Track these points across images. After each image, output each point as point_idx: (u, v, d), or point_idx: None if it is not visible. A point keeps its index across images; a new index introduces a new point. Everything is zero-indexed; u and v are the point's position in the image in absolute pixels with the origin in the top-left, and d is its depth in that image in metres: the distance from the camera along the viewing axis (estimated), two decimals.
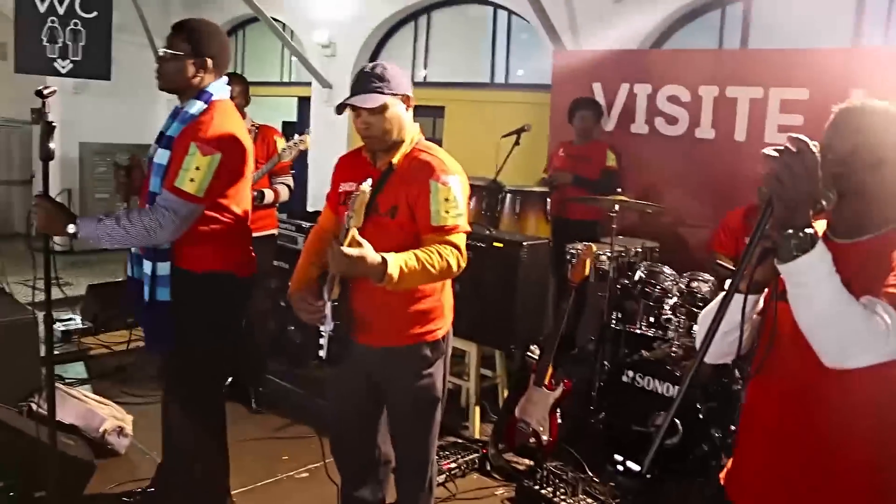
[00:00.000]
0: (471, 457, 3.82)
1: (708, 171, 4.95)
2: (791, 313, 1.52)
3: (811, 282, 1.45)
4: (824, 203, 1.58)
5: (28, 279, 7.47)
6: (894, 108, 1.66)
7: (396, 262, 2.20)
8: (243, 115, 4.36)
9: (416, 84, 7.50)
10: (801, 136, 1.43)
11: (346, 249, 2.12)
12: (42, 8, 7.03)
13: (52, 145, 2.58)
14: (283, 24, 8.41)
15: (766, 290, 1.67)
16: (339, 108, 2.46)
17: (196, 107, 2.76)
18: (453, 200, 2.40)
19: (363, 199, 2.17)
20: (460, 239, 2.41)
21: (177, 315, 2.75)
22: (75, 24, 7.08)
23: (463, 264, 2.40)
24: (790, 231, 1.44)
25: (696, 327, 3.37)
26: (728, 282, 1.59)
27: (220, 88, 2.83)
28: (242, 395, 4.44)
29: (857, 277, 1.53)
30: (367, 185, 2.19)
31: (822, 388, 1.59)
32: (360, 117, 2.42)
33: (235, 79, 4.33)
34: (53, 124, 2.57)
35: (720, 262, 4.09)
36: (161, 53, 2.79)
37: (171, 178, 2.65)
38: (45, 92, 2.57)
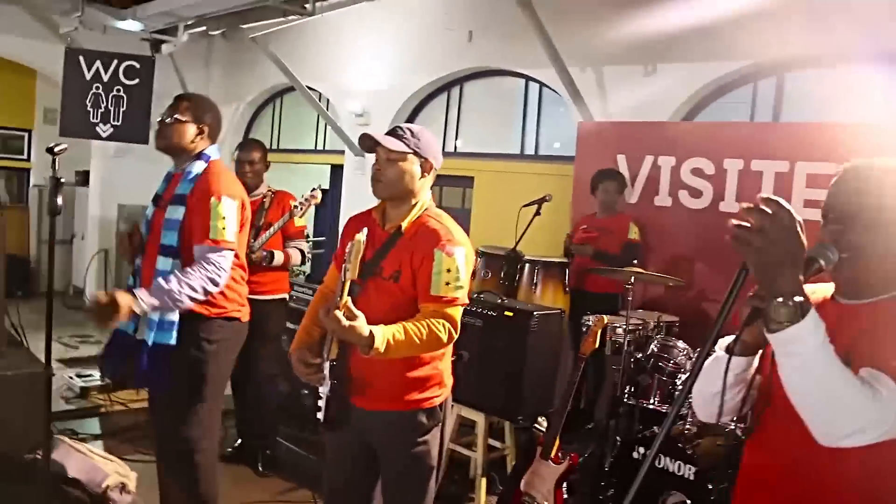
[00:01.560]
0: None
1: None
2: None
3: (801, 352, 1.37)
4: (823, 263, 1.51)
5: (61, 336, 7.67)
6: None
7: (384, 336, 2.22)
8: (261, 181, 4.45)
9: (446, 154, 7.65)
10: (775, 197, 1.37)
11: (339, 315, 2.14)
12: (88, 75, 7.35)
13: (59, 200, 2.67)
14: (319, 94, 8.62)
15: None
16: (364, 141, 2.46)
17: (199, 167, 3.01)
18: (455, 272, 2.38)
19: (358, 249, 2.17)
20: (456, 312, 2.40)
21: (184, 359, 2.90)
22: (118, 91, 7.38)
23: (455, 336, 2.39)
24: (779, 299, 1.36)
25: None
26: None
27: (215, 151, 3.10)
28: (250, 458, 4.39)
29: (862, 341, 1.48)
30: (361, 236, 2.19)
31: (815, 462, 1.51)
32: (377, 161, 2.45)
33: (255, 145, 4.44)
34: (62, 180, 2.67)
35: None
36: (167, 119, 3.02)
37: (202, 233, 2.86)
38: (56, 149, 2.68)
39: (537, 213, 5.13)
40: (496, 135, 7.58)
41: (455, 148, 7.85)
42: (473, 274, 5.28)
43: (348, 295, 2.19)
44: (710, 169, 5.01)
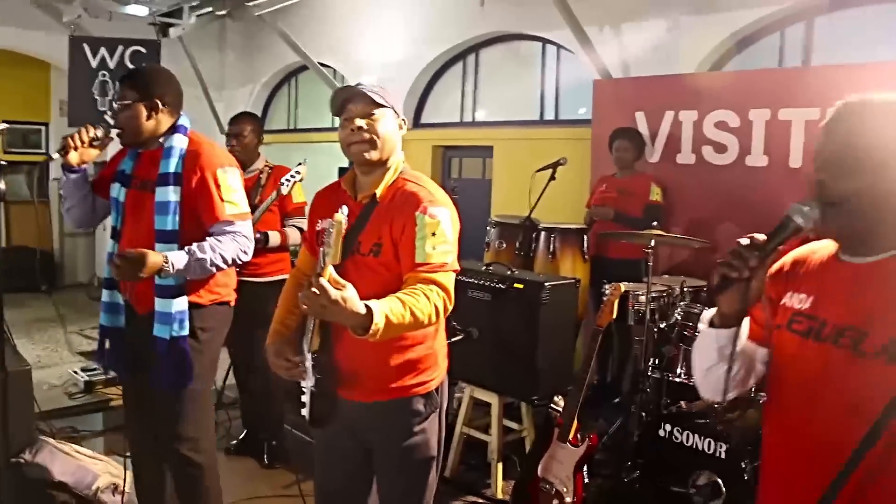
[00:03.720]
0: None
1: (761, 201, 4.49)
2: (793, 346, 1.49)
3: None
4: (800, 222, 1.40)
5: (83, 328, 7.61)
6: None
7: (382, 311, 1.87)
8: (257, 155, 4.22)
9: (465, 124, 7.49)
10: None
11: (324, 283, 1.78)
12: (94, 63, 7.21)
13: (1, 185, 2.46)
14: (334, 71, 8.39)
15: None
16: (336, 103, 2.21)
17: (180, 140, 2.76)
18: (441, 235, 2.10)
19: (339, 230, 1.89)
20: (448, 279, 2.10)
21: (193, 351, 2.74)
22: None
23: (450, 307, 2.09)
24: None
25: None
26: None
27: (188, 121, 2.84)
28: (256, 450, 4.21)
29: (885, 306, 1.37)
30: (342, 215, 1.91)
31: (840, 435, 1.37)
32: (353, 122, 2.17)
33: (243, 117, 4.21)
34: (3, 163, 2.46)
35: None
36: (116, 108, 2.78)
37: (215, 210, 2.70)
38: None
39: (552, 177, 4.85)
40: (515, 102, 7.27)
41: (473, 118, 7.59)
42: (487, 245, 5.07)
43: None
44: (735, 121, 4.67)
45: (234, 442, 4.33)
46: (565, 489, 3.33)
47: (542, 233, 4.80)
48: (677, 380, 3.68)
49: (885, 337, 1.33)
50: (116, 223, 2.85)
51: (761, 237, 1.40)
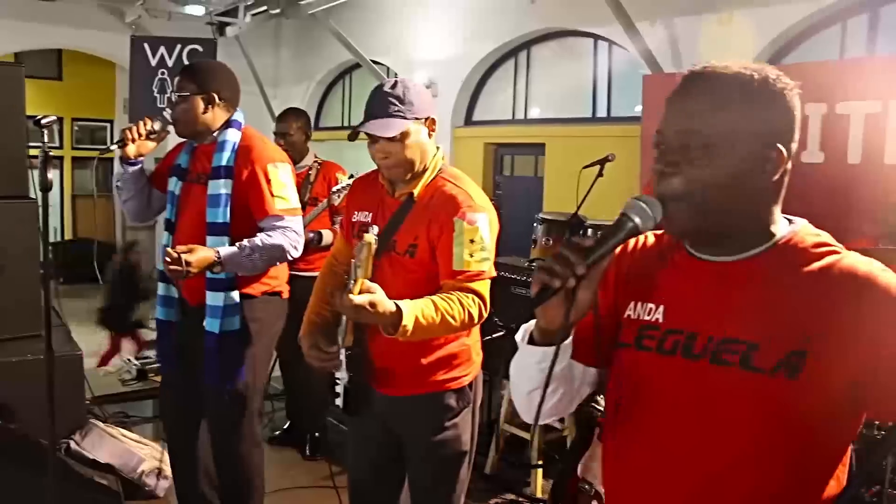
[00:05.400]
0: None
1: (816, 199, 4.31)
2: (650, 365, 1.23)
3: None
4: (638, 222, 1.16)
5: (142, 319, 7.79)
6: (760, 69, 1.19)
7: (412, 312, 1.92)
8: (306, 151, 4.26)
9: (517, 122, 7.46)
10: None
11: (354, 298, 1.85)
12: (153, 61, 7.37)
13: (49, 175, 2.51)
14: (387, 68, 8.44)
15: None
16: (352, 136, 2.19)
17: (234, 135, 2.79)
18: (479, 242, 2.09)
19: (370, 251, 1.91)
20: (484, 287, 2.10)
21: (243, 343, 2.77)
22: None
23: (485, 315, 2.10)
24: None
25: None
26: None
27: (242, 116, 2.87)
28: (298, 441, 4.26)
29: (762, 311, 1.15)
30: (372, 236, 1.93)
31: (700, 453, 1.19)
32: (377, 144, 2.14)
33: (290, 114, 4.24)
34: (50, 153, 2.51)
35: None
36: (173, 100, 2.80)
37: (265, 205, 2.70)
38: (43, 122, 2.52)
39: (599, 174, 4.77)
40: (566, 98, 7.21)
41: (525, 115, 7.55)
42: (534, 241, 5.02)
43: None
44: None
45: (278, 432, 4.39)
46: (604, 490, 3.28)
47: (589, 230, 4.73)
48: None
49: (781, 351, 1.11)
50: (171, 216, 2.88)
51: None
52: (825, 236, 1.23)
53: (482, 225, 2.11)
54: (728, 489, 1.16)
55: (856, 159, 4.25)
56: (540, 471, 3.81)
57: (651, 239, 1.36)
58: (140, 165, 2.92)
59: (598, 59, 6.75)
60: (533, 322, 1.27)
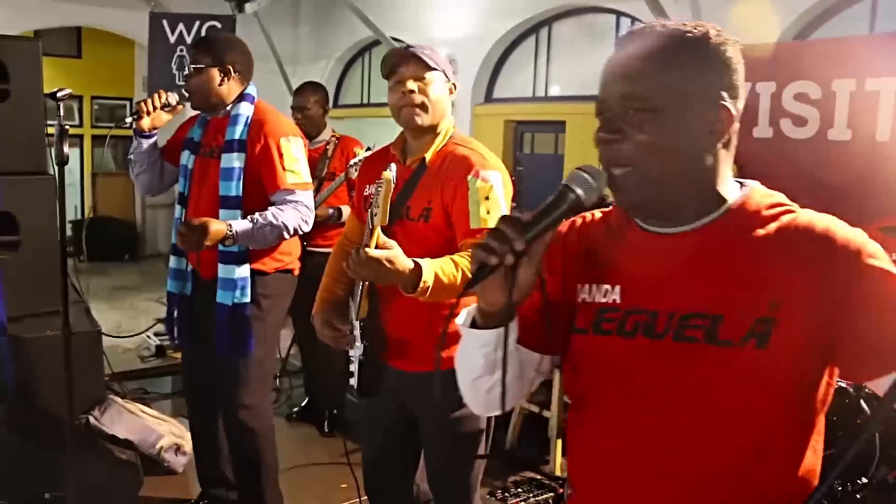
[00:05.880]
0: (545, 496, 3.45)
1: (844, 177, 4.26)
2: (611, 350, 1.17)
3: None
4: (581, 194, 1.10)
5: (162, 296, 7.84)
6: (699, 24, 1.13)
7: (432, 268, 1.88)
8: (324, 125, 4.23)
9: (537, 99, 7.37)
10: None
11: (371, 252, 1.81)
12: (172, 38, 7.34)
13: (66, 149, 2.51)
14: (407, 45, 8.36)
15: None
16: (385, 71, 2.20)
17: (247, 108, 2.80)
18: (495, 200, 2.07)
19: (388, 188, 1.86)
20: None
21: (254, 318, 2.78)
22: None
23: None
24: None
25: None
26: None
27: (255, 90, 2.87)
28: (317, 418, 4.26)
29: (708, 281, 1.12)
30: (390, 172, 1.88)
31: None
32: (404, 84, 2.13)
33: (307, 88, 4.20)
34: (66, 127, 2.50)
35: None
36: (189, 71, 2.82)
37: (277, 179, 2.71)
38: (59, 95, 2.52)
39: None
40: (588, 76, 7.10)
41: (546, 92, 7.46)
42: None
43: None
44: (817, 93, 4.42)
45: (297, 409, 4.41)
46: None
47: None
48: None
49: (747, 320, 1.06)
50: (184, 189, 2.91)
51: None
52: (778, 196, 1.17)
53: (496, 183, 2.09)
54: (705, 466, 1.11)
55: (885, 137, 4.17)
56: (560, 448, 3.78)
57: (598, 216, 1.30)
58: (154, 139, 2.93)
59: (620, 34, 6.65)
60: (475, 305, 1.19)
